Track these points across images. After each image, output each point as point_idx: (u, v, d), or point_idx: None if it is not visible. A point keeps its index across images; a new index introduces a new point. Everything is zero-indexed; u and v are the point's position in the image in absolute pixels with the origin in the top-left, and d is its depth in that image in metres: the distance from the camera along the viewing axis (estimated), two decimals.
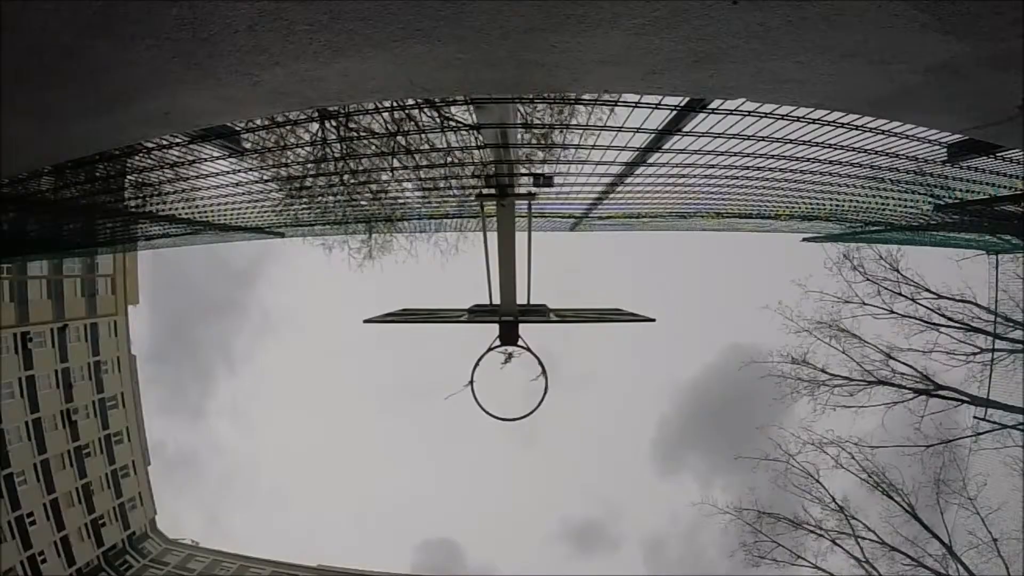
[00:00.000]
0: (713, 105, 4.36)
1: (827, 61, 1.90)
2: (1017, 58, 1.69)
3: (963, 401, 14.47)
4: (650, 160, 5.94)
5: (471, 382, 5.37)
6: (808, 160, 5.48)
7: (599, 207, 9.03)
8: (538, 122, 6.14)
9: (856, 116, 4.04)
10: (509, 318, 5.59)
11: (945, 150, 4.71)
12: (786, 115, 4.28)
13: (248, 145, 6.20)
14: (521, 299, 5.92)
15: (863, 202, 7.52)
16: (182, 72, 1.94)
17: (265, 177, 7.31)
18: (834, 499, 15.56)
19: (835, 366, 15.98)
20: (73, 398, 27.09)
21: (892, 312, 15.20)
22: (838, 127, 4.51)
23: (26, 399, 24.87)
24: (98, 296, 28.67)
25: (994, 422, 13.38)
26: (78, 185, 6.96)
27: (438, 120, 5.87)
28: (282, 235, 12.57)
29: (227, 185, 7.15)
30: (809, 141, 4.91)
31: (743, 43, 1.81)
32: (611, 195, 8.03)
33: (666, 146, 5.41)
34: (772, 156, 5.40)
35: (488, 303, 6.04)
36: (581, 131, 5.68)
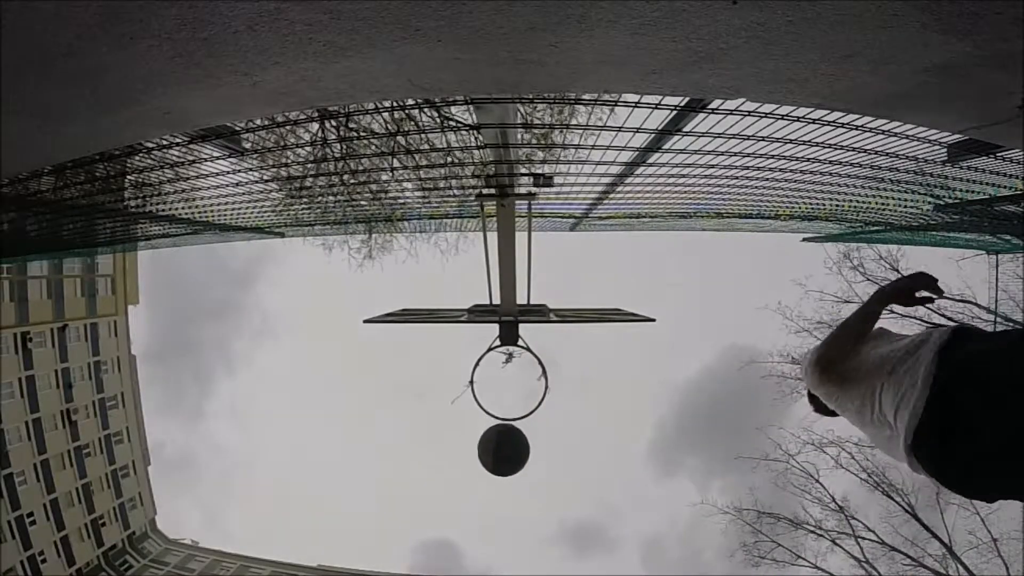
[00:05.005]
0: (713, 105, 4.35)
1: (827, 61, 1.90)
2: (1017, 58, 1.69)
3: None
4: (650, 160, 5.94)
5: (471, 382, 5.39)
6: (808, 160, 5.47)
7: (599, 207, 9.03)
8: (538, 122, 6.14)
9: (856, 116, 4.03)
10: (509, 318, 5.60)
11: (945, 150, 4.71)
12: (786, 115, 4.27)
13: (248, 145, 6.20)
14: (521, 299, 5.93)
15: (863, 202, 7.52)
16: (182, 72, 1.94)
17: (265, 177, 7.31)
18: (834, 499, 15.59)
19: None
20: (73, 398, 27.11)
21: (892, 312, 15.16)
22: (838, 127, 4.51)
23: (26, 399, 24.89)
24: (98, 296, 28.69)
25: None
26: (78, 185, 6.96)
27: (438, 120, 5.87)
28: (282, 235, 12.56)
29: (227, 185, 7.15)
30: (809, 141, 4.91)
31: (743, 43, 1.81)
32: (611, 195, 8.03)
33: (666, 146, 5.41)
34: (772, 156, 5.40)
35: (488, 303, 6.06)
36: (581, 131, 5.67)
